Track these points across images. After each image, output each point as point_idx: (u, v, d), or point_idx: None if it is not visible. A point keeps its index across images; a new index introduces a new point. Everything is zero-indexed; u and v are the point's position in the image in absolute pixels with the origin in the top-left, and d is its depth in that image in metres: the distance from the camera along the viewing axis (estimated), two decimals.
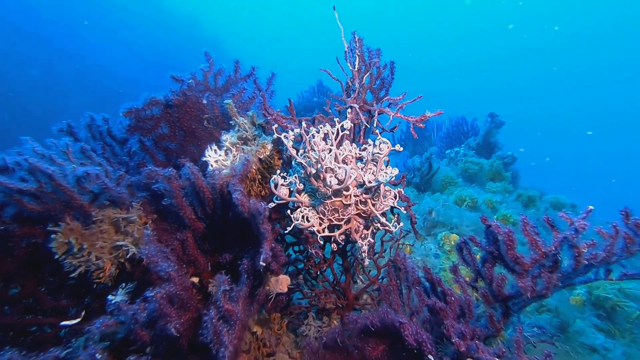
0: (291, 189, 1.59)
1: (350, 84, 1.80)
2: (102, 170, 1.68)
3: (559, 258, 1.42)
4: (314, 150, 1.42)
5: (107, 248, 1.91)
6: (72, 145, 2.06)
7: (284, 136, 1.44)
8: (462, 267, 1.89)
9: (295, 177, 1.54)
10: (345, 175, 1.39)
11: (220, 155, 1.83)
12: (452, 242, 5.54)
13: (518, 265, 1.50)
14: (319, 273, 2.24)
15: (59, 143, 1.98)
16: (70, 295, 2.16)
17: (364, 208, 1.59)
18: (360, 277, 2.23)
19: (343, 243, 1.75)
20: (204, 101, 2.04)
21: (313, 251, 1.60)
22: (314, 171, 1.45)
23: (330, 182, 1.36)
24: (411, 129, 1.47)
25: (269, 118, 1.71)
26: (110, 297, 1.20)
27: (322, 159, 1.37)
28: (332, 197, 1.52)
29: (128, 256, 1.80)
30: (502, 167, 8.26)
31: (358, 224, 1.68)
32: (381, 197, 1.56)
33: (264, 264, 1.39)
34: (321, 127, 1.48)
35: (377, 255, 2.20)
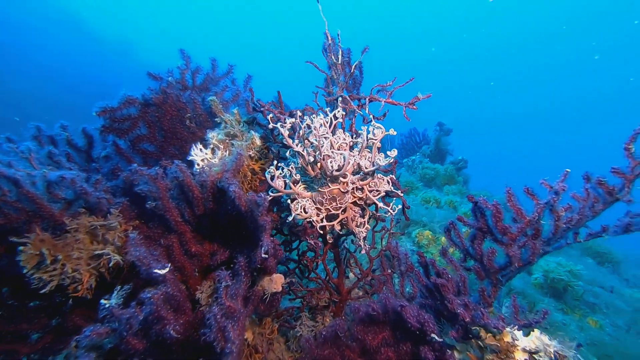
0: (286, 181, 1.58)
1: (335, 76, 1.83)
2: (78, 174, 1.56)
3: (541, 225, 1.53)
4: (311, 138, 1.42)
5: (84, 258, 1.76)
6: (37, 151, 1.89)
7: (280, 125, 1.42)
8: (450, 249, 1.96)
9: (292, 167, 1.52)
10: (344, 161, 1.40)
11: (206, 153, 1.77)
12: (427, 238, 5.73)
13: (506, 236, 1.59)
14: (311, 270, 2.22)
15: (20, 148, 1.80)
16: (33, 317, 1.96)
17: (360, 195, 1.60)
18: (353, 271, 2.24)
19: (340, 233, 1.75)
20: (185, 99, 1.97)
21: (312, 242, 1.58)
22: (311, 159, 1.45)
23: (331, 166, 1.37)
24: (404, 113, 1.52)
25: (262, 109, 1.68)
26: (103, 301, 1.10)
27: (320, 145, 1.37)
28: (330, 185, 1.52)
29: (110, 264, 1.67)
30: (455, 172, 8.94)
31: (354, 212, 1.70)
32: (377, 182, 1.58)
33: (266, 256, 1.35)
34: (314, 117, 1.48)
35: (369, 247, 2.22)
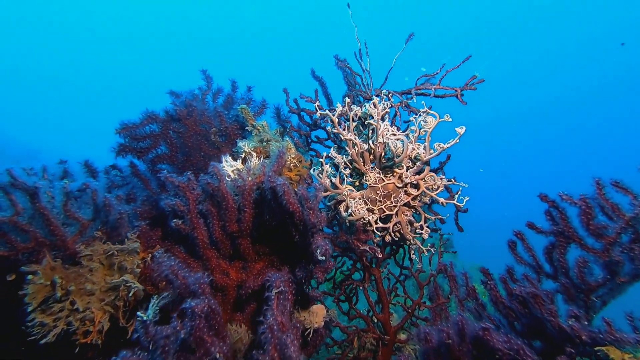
0: (332, 180, 1.40)
1: (364, 80, 1.75)
2: (102, 185, 1.38)
3: None
4: (369, 120, 1.28)
5: (97, 293, 1.50)
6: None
7: (330, 110, 1.29)
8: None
9: (342, 158, 1.36)
10: (404, 146, 1.25)
11: (238, 164, 1.62)
12: None
13: (602, 240, 1.33)
14: (353, 301, 1.93)
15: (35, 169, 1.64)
16: None
17: (415, 193, 1.42)
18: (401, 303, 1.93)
19: (390, 242, 1.52)
20: (210, 113, 1.86)
21: (367, 248, 1.36)
22: (365, 147, 1.29)
23: (394, 148, 1.20)
24: (459, 98, 1.40)
25: (306, 99, 1.56)
26: (139, 313, 0.85)
27: (379, 126, 1.23)
28: (384, 179, 1.35)
29: (130, 295, 1.41)
30: None
31: (407, 216, 1.49)
32: (433, 177, 1.41)
33: (324, 258, 1.13)
34: (362, 106, 1.36)
35: (417, 271, 1.95)
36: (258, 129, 1.64)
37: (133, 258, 1.55)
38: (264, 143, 1.62)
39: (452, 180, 1.42)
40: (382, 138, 1.27)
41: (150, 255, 1.68)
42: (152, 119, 1.80)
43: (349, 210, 1.29)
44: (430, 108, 1.57)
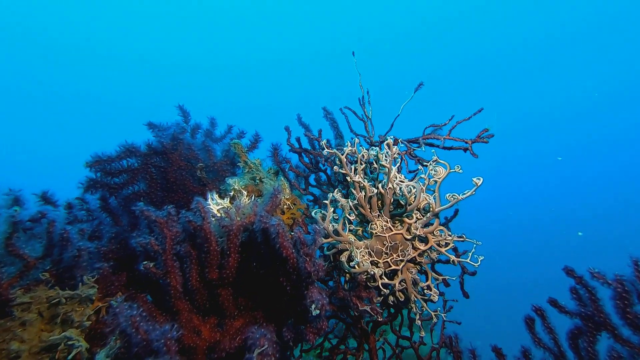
0: (334, 226, 1.25)
1: (368, 127, 1.70)
2: (61, 217, 1.16)
3: None
4: (381, 161, 1.18)
5: (24, 355, 1.19)
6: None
7: (337, 148, 1.19)
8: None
9: (348, 202, 1.22)
10: (416, 193, 1.14)
11: (225, 202, 1.45)
12: None
13: (638, 331, 1.17)
14: None
15: None
16: None
17: (423, 248, 1.29)
18: None
19: (399, 300, 1.34)
20: (197, 147, 1.72)
21: (368, 309, 1.17)
22: (375, 191, 1.17)
23: (407, 192, 1.09)
24: (470, 151, 1.34)
25: (311, 137, 1.45)
26: None
27: (391, 169, 1.12)
28: (392, 228, 1.22)
29: (70, 357, 1.11)
30: None
31: (411, 274, 1.34)
32: (444, 230, 1.30)
33: (318, 311, 0.94)
34: (372, 149, 1.28)
35: (417, 342, 1.72)
36: (251, 166, 1.51)
37: (84, 308, 1.27)
38: (257, 181, 1.48)
39: (463, 236, 1.31)
40: (393, 183, 1.16)
41: (107, 305, 1.39)
42: (131, 152, 1.63)
43: (354, 261, 1.12)
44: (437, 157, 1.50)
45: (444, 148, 1.40)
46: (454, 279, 1.44)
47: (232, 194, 1.49)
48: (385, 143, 1.13)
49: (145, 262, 1.28)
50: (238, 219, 1.26)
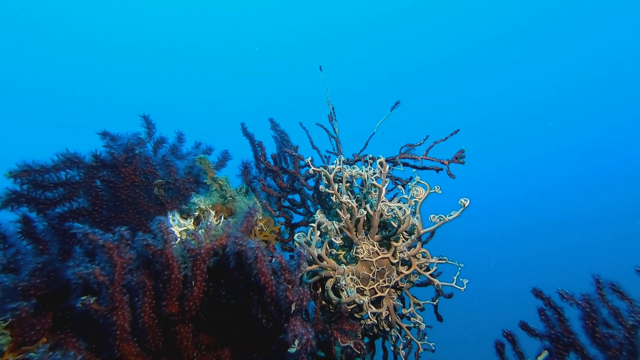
0: (318, 251, 1.15)
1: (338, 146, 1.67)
2: None
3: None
4: (370, 181, 1.12)
5: None
6: None
7: (323, 167, 1.10)
8: None
9: (334, 225, 1.14)
10: (404, 214, 1.10)
11: (188, 224, 1.28)
12: None
13: (605, 349, 1.20)
14: None
15: None
16: None
17: (406, 272, 1.23)
18: None
19: (382, 330, 1.26)
20: (156, 162, 1.53)
21: (351, 344, 1.07)
22: (364, 213, 1.11)
23: (394, 214, 1.04)
24: (447, 172, 1.35)
25: (294, 154, 1.34)
26: None
27: (382, 190, 1.07)
28: (379, 252, 1.15)
29: None
30: None
31: (392, 300, 1.27)
32: (426, 253, 1.27)
33: (299, 348, 0.82)
34: (355, 167, 1.22)
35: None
36: (219, 183, 1.37)
37: None
38: (227, 199, 1.34)
39: (445, 259, 1.29)
40: (382, 204, 1.11)
41: (23, 356, 1.10)
42: (72, 163, 1.40)
43: (345, 290, 1.02)
44: (412, 178, 1.50)
45: (421, 168, 1.40)
46: (434, 303, 1.40)
47: (196, 214, 1.32)
48: (378, 162, 1.08)
49: (83, 298, 1.04)
50: (207, 241, 1.10)
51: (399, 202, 1.27)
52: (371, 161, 1.45)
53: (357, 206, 1.10)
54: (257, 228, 1.36)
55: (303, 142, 1.83)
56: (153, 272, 1.09)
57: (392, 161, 1.45)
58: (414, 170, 1.32)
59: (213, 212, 1.30)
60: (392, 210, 1.10)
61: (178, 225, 1.28)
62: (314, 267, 1.08)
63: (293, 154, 1.38)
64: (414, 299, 1.31)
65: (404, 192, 1.33)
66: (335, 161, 1.11)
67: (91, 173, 1.46)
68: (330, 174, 1.08)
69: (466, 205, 1.10)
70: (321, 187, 1.11)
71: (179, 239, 1.25)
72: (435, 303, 1.35)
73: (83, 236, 0.98)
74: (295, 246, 1.11)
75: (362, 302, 1.06)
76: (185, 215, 1.43)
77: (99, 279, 1.02)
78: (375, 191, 1.18)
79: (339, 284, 1.10)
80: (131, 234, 1.05)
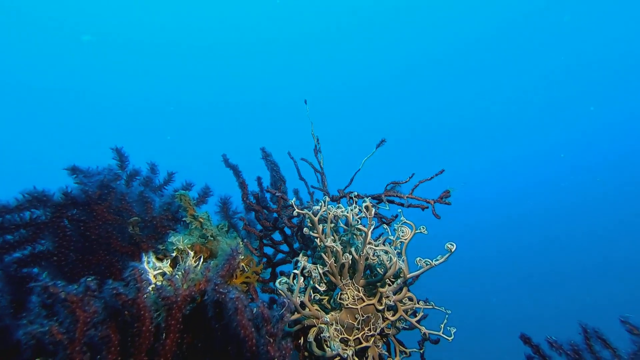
0: (301, 298, 1.10)
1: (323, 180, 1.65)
2: None
3: None
4: (357, 225, 1.09)
5: None
6: None
7: (306, 209, 1.07)
8: None
9: (318, 269, 1.09)
10: (390, 259, 1.08)
11: (165, 266, 1.20)
12: None
13: None
14: None
15: None
16: None
17: (392, 318, 1.19)
18: None
19: None
20: (132, 199, 1.45)
21: None
22: (349, 257, 1.07)
23: (381, 258, 1.00)
24: (433, 212, 1.34)
25: (277, 195, 1.29)
26: None
27: (369, 234, 1.04)
28: (364, 299, 1.11)
29: None
30: None
31: (378, 348, 1.22)
32: (412, 297, 1.24)
33: None
34: (340, 207, 1.20)
35: None
36: (200, 221, 1.31)
37: None
38: (208, 239, 1.27)
39: (431, 304, 1.25)
40: (368, 248, 1.08)
41: None
42: (38, 201, 1.31)
43: (330, 344, 0.96)
44: (397, 216, 1.49)
45: (407, 206, 1.39)
46: (420, 351, 1.34)
47: (174, 254, 1.25)
48: (364, 205, 1.06)
49: None
50: (184, 286, 1.03)
51: (384, 242, 1.24)
52: (356, 199, 1.44)
53: (342, 250, 1.06)
54: (239, 270, 1.29)
55: (293, 171, 1.81)
56: (121, 324, 1.00)
57: (377, 198, 1.43)
58: (400, 210, 1.31)
59: (192, 253, 1.23)
60: (379, 255, 1.07)
61: (153, 268, 1.20)
62: (296, 316, 1.02)
63: (277, 194, 1.34)
64: (400, 346, 1.25)
65: (389, 232, 1.31)
66: (320, 203, 1.08)
67: (59, 212, 1.37)
68: (315, 216, 1.05)
69: (452, 250, 1.08)
70: (305, 229, 1.07)
71: (153, 284, 1.17)
72: (421, 351, 1.30)
73: (42, 290, 0.89)
74: (279, 294, 1.05)
75: (346, 355, 1.00)
76: (161, 255, 1.35)
77: (56, 338, 0.91)
78: (360, 234, 1.16)
79: (322, 335, 1.04)
80: (98, 284, 0.97)
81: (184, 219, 1.34)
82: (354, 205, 1.23)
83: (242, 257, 1.31)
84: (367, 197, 1.46)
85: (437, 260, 1.11)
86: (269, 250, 1.60)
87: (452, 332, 1.15)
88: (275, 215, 1.42)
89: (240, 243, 1.31)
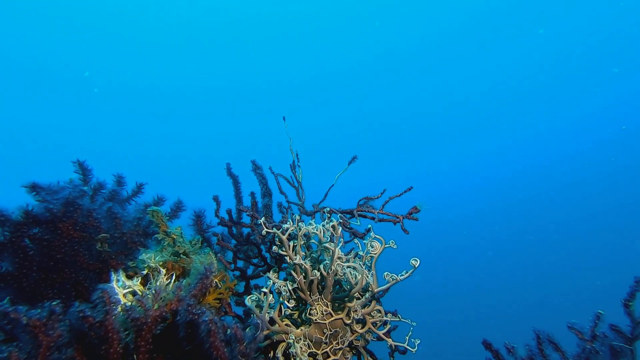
0: (270, 314, 1.12)
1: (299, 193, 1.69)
2: None
3: None
4: (327, 244, 1.13)
5: None
6: None
7: (275, 227, 1.09)
8: None
9: (287, 286, 1.12)
10: (358, 274, 1.13)
11: (135, 284, 1.19)
12: None
13: None
14: None
15: None
16: None
17: (360, 330, 1.24)
18: None
19: None
20: (100, 215, 1.42)
21: None
22: (317, 274, 1.10)
23: (349, 274, 1.05)
24: (402, 227, 1.40)
25: (247, 213, 1.30)
26: None
27: (336, 252, 1.08)
28: (333, 313, 1.15)
29: None
30: None
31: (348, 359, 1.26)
32: (380, 310, 1.30)
33: None
34: (311, 224, 1.24)
35: None
36: (173, 237, 1.30)
37: None
38: (181, 257, 1.27)
39: (398, 316, 1.31)
40: (336, 265, 1.12)
41: None
42: None
43: (297, 358, 0.99)
44: (369, 230, 1.54)
45: (378, 221, 1.45)
46: None
47: (145, 272, 1.24)
48: (331, 224, 1.10)
49: None
50: (155, 306, 1.02)
51: (355, 257, 1.29)
52: (329, 214, 1.48)
53: (310, 267, 1.10)
54: (212, 286, 1.30)
55: (283, 182, 1.81)
56: (87, 346, 0.98)
57: (350, 213, 1.48)
58: (370, 226, 1.37)
59: (164, 271, 1.23)
60: (345, 272, 1.11)
61: (122, 287, 1.18)
62: (265, 332, 1.04)
63: (249, 213, 1.36)
64: (369, 357, 1.30)
65: (359, 246, 1.36)
66: (288, 222, 1.12)
67: (19, 231, 1.31)
68: (284, 235, 1.08)
69: (416, 266, 1.14)
70: (274, 248, 1.10)
71: (122, 304, 1.15)
72: None
73: (1, 316, 0.87)
74: (251, 312, 1.07)
75: None
76: (132, 272, 1.33)
77: None
78: (329, 251, 1.20)
79: (289, 350, 1.07)
80: (63, 307, 0.95)
81: (155, 235, 1.33)
82: (327, 221, 1.27)
83: (216, 273, 1.32)
84: (340, 212, 1.51)
85: (402, 275, 1.17)
86: (243, 263, 1.61)
87: (416, 344, 1.21)
88: (249, 230, 1.44)
89: (214, 260, 1.31)
